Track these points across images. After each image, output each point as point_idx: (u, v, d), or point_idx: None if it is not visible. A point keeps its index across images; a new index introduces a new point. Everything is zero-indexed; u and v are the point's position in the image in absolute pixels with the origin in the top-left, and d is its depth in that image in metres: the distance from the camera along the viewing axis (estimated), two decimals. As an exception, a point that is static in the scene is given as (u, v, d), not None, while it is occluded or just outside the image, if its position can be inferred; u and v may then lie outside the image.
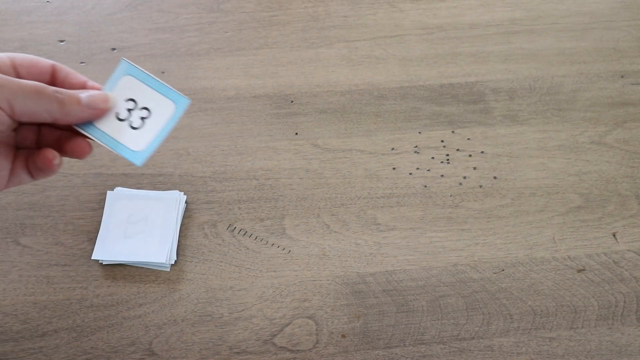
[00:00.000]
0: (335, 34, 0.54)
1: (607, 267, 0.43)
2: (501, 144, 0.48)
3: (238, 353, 0.39)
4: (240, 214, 0.44)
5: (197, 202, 0.44)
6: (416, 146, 0.48)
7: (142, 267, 0.42)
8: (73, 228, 0.43)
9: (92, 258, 0.41)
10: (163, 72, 0.51)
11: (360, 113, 0.49)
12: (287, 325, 0.40)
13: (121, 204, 0.43)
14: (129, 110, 0.35)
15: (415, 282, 0.42)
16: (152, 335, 0.39)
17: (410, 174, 0.46)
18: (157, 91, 0.35)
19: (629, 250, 0.44)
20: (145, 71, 0.35)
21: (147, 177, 0.45)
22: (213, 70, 0.51)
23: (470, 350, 0.40)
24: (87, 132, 0.33)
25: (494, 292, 0.42)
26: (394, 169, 0.47)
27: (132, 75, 0.36)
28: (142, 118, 0.35)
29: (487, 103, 0.50)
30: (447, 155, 0.47)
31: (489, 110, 0.50)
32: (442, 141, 0.48)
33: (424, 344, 0.40)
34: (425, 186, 0.46)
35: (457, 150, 0.48)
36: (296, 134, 0.48)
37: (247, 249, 0.43)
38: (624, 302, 0.42)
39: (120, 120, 0.34)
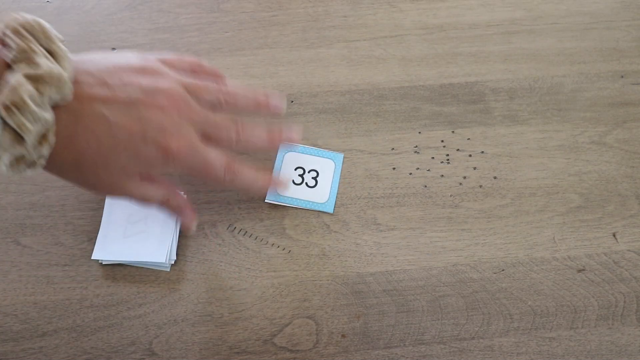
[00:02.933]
0: (335, 34, 0.54)
1: (607, 267, 0.43)
2: (501, 144, 0.48)
3: (238, 353, 0.39)
4: (240, 214, 0.44)
5: (197, 202, 0.44)
6: (416, 146, 0.48)
7: (142, 267, 0.42)
8: (73, 228, 0.43)
9: (92, 258, 0.41)
10: (163, 72, 0.51)
11: (360, 113, 0.49)
12: (287, 325, 0.40)
13: (121, 204, 0.43)
14: (300, 175, 0.45)
15: (415, 282, 0.42)
16: (152, 335, 0.39)
17: (410, 174, 0.46)
18: (317, 155, 0.46)
19: (629, 250, 0.44)
20: (300, 145, 0.46)
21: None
22: (213, 70, 0.51)
23: (470, 350, 0.40)
24: (277, 202, 0.44)
25: (494, 292, 0.42)
26: (394, 169, 0.47)
27: (292, 152, 0.46)
28: (314, 178, 0.45)
29: (487, 103, 0.50)
30: (447, 155, 0.47)
31: (489, 110, 0.50)
32: (442, 141, 0.48)
33: (424, 344, 0.40)
34: (425, 186, 0.46)
35: (457, 150, 0.48)
36: (296, 134, 0.48)
37: (247, 249, 0.43)
38: (624, 302, 0.42)
39: (297, 184, 0.45)
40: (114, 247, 0.41)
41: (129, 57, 0.37)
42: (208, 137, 0.37)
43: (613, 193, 0.46)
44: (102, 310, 0.40)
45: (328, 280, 0.42)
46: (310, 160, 0.46)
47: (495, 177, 0.46)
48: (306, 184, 0.45)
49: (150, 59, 0.38)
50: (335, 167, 0.46)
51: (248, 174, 0.40)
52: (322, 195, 0.45)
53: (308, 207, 0.44)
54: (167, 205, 0.39)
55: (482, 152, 0.48)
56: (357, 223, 0.44)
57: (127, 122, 0.33)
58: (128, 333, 0.39)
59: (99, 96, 0.33)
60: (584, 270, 0.43)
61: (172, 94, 0.36)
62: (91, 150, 0.33)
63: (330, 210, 0.44)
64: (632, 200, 0.46)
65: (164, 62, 0.39)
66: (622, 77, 0.52)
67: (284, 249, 0.43)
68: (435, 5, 0.56)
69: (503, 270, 0.43)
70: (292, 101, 0.50)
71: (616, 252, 0.43)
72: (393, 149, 0.47)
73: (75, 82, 0.33)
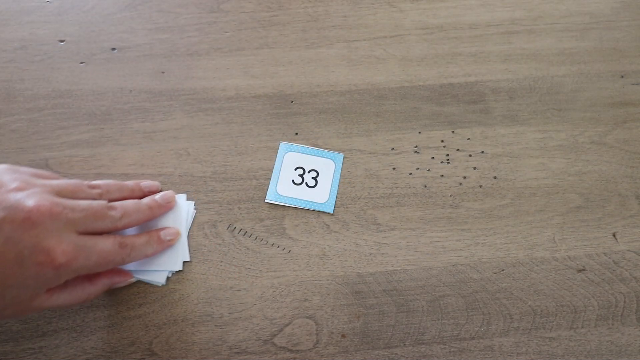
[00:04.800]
0: (335, 34, 0.54)
1: (607, 267, 0.43)
2: (501, 144, 0.48)
3: (238, 353, 0.39)
4: (240, 214, 0.44)
5: (197, 202, 0.44)
6: (416, 146, 0.48)
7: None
8: (73, 228, 0.43)
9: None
10: (163, 72, 0.51)
11: (360, 113, 0.49)
12: (287, 325, 0.40)
13: None
14: (300, 175, 0.45)
15: (415, 282, 0.42)
16: (152, 335, 0.39)
17: (410, 174, 0.46)
18: (317, 155, 0.46)
19: (629, 250, 0.44)
20: (300, 145, 0.46)
21: (147, 177, 0.45)
22: (213, 70, 0.51)
23: (470, 350, 0.40)
24: (277, 202, 0.44)
25: (494, 292, 0.42)
26: (394, 169, 0.47)
27: (292, 151, 0.46)
28: (314, 178, 0.45)
29: (487, 103, 0.50)
30: (447, 155, 0.47)
31: (489, 110, 0.50)
32: (442, 141, 0.48)
33: (424, 344, 0.40)
34: (425, 186, 0.46)
35: (457, 150, 0.48)
36: (296, 134, 0.48)
37: (247, 249, 0.43)
38: (624, 302, 0.42)
39: (297, 184, 0.45)
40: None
41: None
42: (92, 229, 0.35)
43: (613, 193, 0.46)
44: (102, 310, 0.40)
45: (328, 280, 0.42)
46: (310, 160, 0.46)
47: (495, 177, 0.46)
48: (306, 184, 0.45)
49: (19, 171, 0.36)
50: (335, 167, 0.46)
51: (140, 243, 0.38)
52: (322, 195, 0.45)
53: (308, 207, 0.44)
54: (95, 295, 0.38)
55: (482, 152, 0.48)
56: (357, 223, 0.44)
57: None
58: (128, 333, 0.39)
59: None
60: (584, 270, 0.43)
61: (40, 200, 0.33)
62: None
63: (330, 210, 0.44)
64: (632, 200, 0.46)
65: (35, 175, 0.37)
66: (622, 77, 0.52)
67: (284, 249, 0.43)
68: (435, 5, 0.56)
69: (503, 270, 0.43)
70: (292, 101, 0.50)
71: (616, 252, 0.43)
72: (393, 149, 0.47)
73: None
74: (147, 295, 0.41)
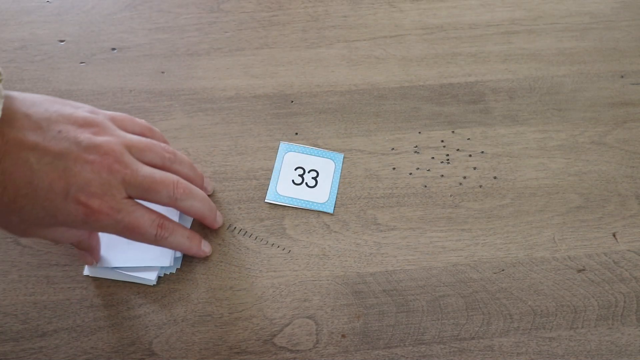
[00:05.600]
0: (335, 34, 0.54)
1: (607, 267, 0.43)
2: (501, 144, 0.48)
3: (238, 353, 0.39)
4: (240, 214, 0.44)
5: (197, 202, 0.44)
6: (416, 146, 0.48)
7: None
8: (73, 228, 0.43)
9: (84, 274, 0.41)
10: (163, 72, 0.51)
11: (360, 113, 0.49)
12: (287, 325, 0.40)
13: None
14: (300, 175, 0.45)
15: (415, 282, 0.42)
16: (152, 335, 0.39)
17: (410, 174, 0.46)
18: (317, 155, 0.46)
19: (629, 250, 0.44)
20: (300, 145, 0.46)
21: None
22: (213, 70, 0.51)
23: (470, 350, 0.40)
24: (277, 202, 0.44)
25: (494, 292, 0.42)
26: (394, 169, 0.47)
27: (292, 152, 0.46)
28: (314, 178, 0.45)
29: (487, 103, 0.50)
30: (447, 155, 0.47)
31: (489, 110, 0.50)
32: (442, 141, 0.48)
33: (424, 344, 0.40)
34: (425, 186, 0.46)
35: (457, 150, 0.48)
36: (296, 134, 0.48)
37: (247, 249, 0.43)
38: (624, 302, 0.42)
39: (297, 184, 0.45)
40: (117, 255, 0.41)
41: (77, 108, 0.35)
42: (143, 196, 0.36)
43: (613, 193, 0.46)
44: (102, 310, 0.40)
45: (328, 280, 0.42)
46: (310, 160, 0.46)
47: (495, 177, 0.46)
48: (306, 184, 0.45)
49: (99, 113, 0.36)
50: (335, 167, 0.46)
51: (181, 235, 0.39)
52: (322, 195, 0.45)
53: (308, 207, 0.44)
54: (76, 246, 0.38)
55: (482, 152, 0.48)
56: (357, 223, 0.44)
57: (50, 173, 0.32)
58: (128, 333, 0.39)
59: (28, 142, 0.31)
60: (584, 270, 0.43)
61: (108, 150, 0.34)
62: (6, 197, 0.31)
63: (330, 211, 0.44)
64: (632, 200, 0.46)
65: (113, 120, 0.37)
66: (622, 77, 0.52)
67: (284, 249, 0.43)
68: (435, 5, 0.56)
69: (503, 270, 0.43)
70: (292, 101, 0.50)
71: (616, 252, 0.43)
72: (393, 149, 0.47)
73: (9, 122, 0.31)
74: (147, 295, 0.41)
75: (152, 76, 0.50)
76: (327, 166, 0.46)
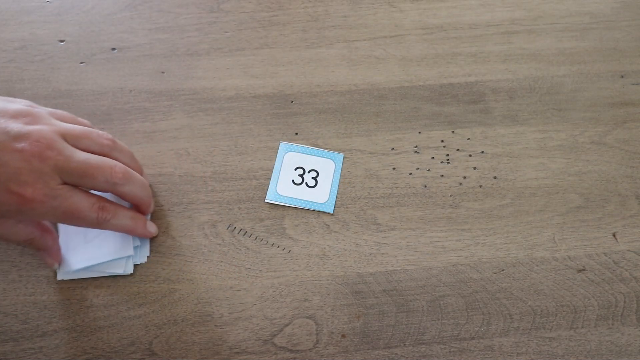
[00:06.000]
0: (335, 34, 0.54)
1: (607, 267, 0.43)
2: (501, 144, 0.48)
3: (238, 353, 0.39)
4: (240, 214, 0.44)
5: (197, 202, 0.44)
6: (416, 146, 0.48)
7: (143, 269, 0.42)
8: (73, 228, 0.43)
9: (57, 279, 0.41)
10: (163, 72, 0.51)
11: (360, 113, 0.49)
12: (287, 325, 0.40)
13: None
14: (300, 175, 0.45)
15: (415, 282, 0.42)
16: (152, 335, 0.39)
17: (410, 174, 0.46)
18: (317, 155, 0.46)
19: (629, 250, 0.44)
20: (300, 145, 0.46)
21: (147, 177, 0.45)
22: (213, 70, 0.51)
23: (470, 350, 0.40)
24: (277, 202, 0.44)
25: (494, 292, 0.42)
26: (394, 169, 0.47)
27: (292, 151, 0.46)
28: (314, 178, 0.45)
29: (487, 103, 0.50)
30: (447, 155, 0.47)
31: (489, 110, 0.50)
32: (442, 141, 0.48)
33: (424, 344, 0.40)
34: (425, 186, 0.46)
35: (457, 150, 0.48)
36: (296, 134, 0.48)
37: (247, 249, 0.43)
38: (624, 302, 0.42)
39: (297, 184, 0.44)
40: (76, 257, 0.41)
41: (11, 102, 0.35)
42: (79, 182, 0.35)
43: (613, 193, 0.46)
44: (102, 310, 0.40)
45: (328, 280, 0.42)
46: (310, 160, 0.46)
47: (495, 177, 0.46)
48: (306, 184, 0.45)
49: (37, 107, 0.36)
50: (335, 167, 0.46)
51: (124, 217, 0.39)
52: (322, 195, 0.45)
53: (308, 207, 0.44)
54: (30, 245, 0.37)
55: (482, 152, 0.48)
56: (357, 223, 0.44)
57: None
58: (128, 333, 0.39)
59: None
60: (584, 270, 0.43)
61: (38, 138, 0.33)
62: None
63: (330, 211, 0.44)
64: (632, 200, 0.46)
65: (53, 114, 0.37)
66: (622, 77, 0.52)
67: (284, 249, 0.43)
68: (435, 5, 0.56)
69: (503, 270, 0.43)
70: (292, 101, 0.50)
71: (616, 252, 0.43)
72: (393, 149, 0.47)
73: None
74: (147, 295, 0.41)
75: (152, 76, 0.50)
76: (327, 166, 0.46)
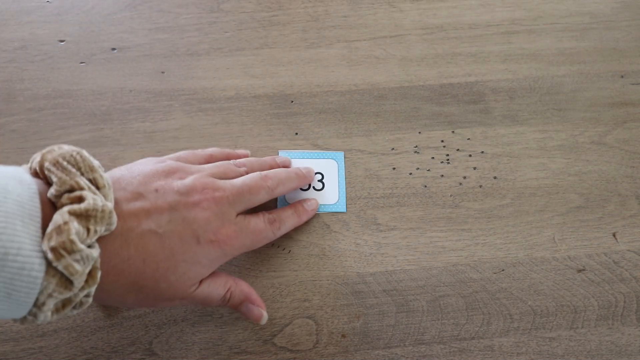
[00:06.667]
0: (335, 34, 0.54)
1: (607, 267, 0.43)
2: (501, 144, 0.48)
3: (238, 353, 0.39)
4: (240, 214, 0.44)
5: (197, 202, 0.44)
6: (416, 146, 0.48)
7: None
8: (73, 228, 0.43)
9: None
10: (163, 72, 0.51)
11: (360, 113, 0.49)
12: (287, 325, 0.40)
13: None
14: None
15: (415, 282, 0.42)
16: (152, 335, 0.39)
17: (410, 174, 0.46)
18: (317, 158, 0.46)
19: (629, 250, 0.44)
20: (299, 150, 0.46)
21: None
22: (213, 70, 0.51)
23: (470, 350, 0.40)
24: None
25: (494, 292, 0.42)
26: (394, 169, 0.47)
27: (292, 159, 0.45)
28: (320, 181, 0.45)
29: (487, 103, 0.50)
30: (447, 155, 0.47)
31: (489, 110, 0.50)
32: (442, 141, 0.48)
33: (424, 344, 0.40)
34: (425, 186, 0.46)
35: (457, 150, 0.48)
36: (296, 134, 0.48)
37: (247, 249, 0.43)
38: (624, 302, 0.42)
39: (304, 190, 0.44)
40: None
41: (149, 163, 0.37)
42: (250, 205, 0.38)
43: (613, 193, 0.46)
44: (102, 310, 0.40)
45: (328, 280, 0.42)
46: (313, 163, 0.46)
47: (495, 177, 0.46)
48: (313, 187, 0.45)
49: (166, 160, 0.38)
50: (338, 166, 0.46)
51: (287, 215, 0.41)
52: (331, 196, 0.45)
53: (321, 210, 0.44)
54: (231, 297, 0.38)
55: (482, 152, 0.48)
56: (357, 223, 0.44)
57: (174, 228, 0.33)
58: (128, 333, 0.39)
59: (140, 211, 0.32)
60: (584, 270, 0.43)
61: (204, 186, 0.36)
62: (150, 268, 0.32)
63: (343, 209, 0.44)
64: (632, 200, 0.46)
65: (179, 159, 0.39)
66: (622, 77, 0.52)
67: (284, 249, 0.43)
68: (435, 5, 0.56)
69: (503, 270, 0.43)
70: (292, 101, 0.50)
71: (616, 252, 0.43)
72: (393, 149, 0.47)
73: (117, 204, 0.32)
74: (147, 295, 0.41)
75: (152, 76, 0.50)
76: (330, 166, 0.46)
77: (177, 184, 0.35)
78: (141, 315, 0.40)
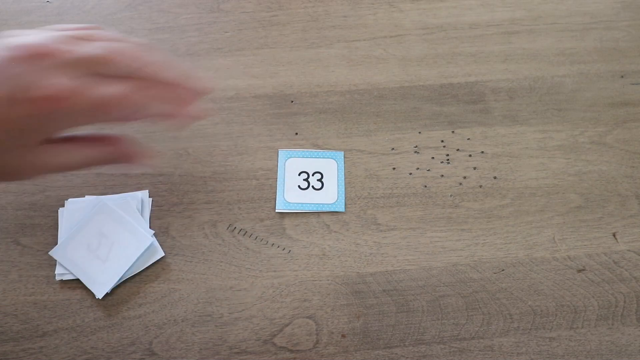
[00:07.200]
0: (335, 34, 0.54)
1: (607, 267, 0.43)
2: (501, 144, 0.48)
3: (238, 353, 0.39)
4: (240, 214, 0.44)
5: (197, 202, 0.44)
6: (416, 146, 0.48)
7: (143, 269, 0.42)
8: (73, 228, 0.43)
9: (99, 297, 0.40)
10: (163, 72, 0.51)
11: (360, 113, 0.49)
12: (287, 325, 0.40)
13: (100, 217, 0.42)
14: (305, 180, 0.45)
15: (415, 282, 0.42)
16: (152, 335, 0.39)
17: (410, 174, 0.46)
18: (317, 157, 0.46)
19: (629, 250, 0.44)
20: (299, 150, 0.46)
21: (148, 177, 0.45)
22: (213, 70, 0.51)
23: (470, 350, 0.40)
24: (289, 209, 0.44)
25: (494, 292, 0.42)
26: (394, 169, 0.47)
27: (292, 157, 0.46)
28: (319, 180, 0.44)
29: (487, 103, 0.50)
30: (447, 155, 0.47)
31: (489, 110, 0.50)
32: (442, 141, 0.48)
33: (424, 344, 0.40)
34: (425, 186, 0.46)
35: (457, 150, 0.48)
36: (296, 134, 0.48)
37: (247, 249, 0.43)
38: (624, 302, 0.42)
39: (304, 189, 0.44)
40: (106, 277, 0.41)
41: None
42: (102, 73, 0.31)
43: (613, 193, 0.46)
44: (102, 310, 0.40)
45: (328, 280, 0.42)
46: (312, 163, 0.46)
47: (495, 177, 0.46)
48: (312, 187, 0.45)
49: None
50: (337, 166, 0.46)
51: (163, 95, 0.33)
52: (330, 195, 0.45)
53: (320, 209, 0.44)
54: (108, 161, 0.33)
55: (482, 152, 0.48)
56: (357, 223, 0.44)
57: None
58: (128, 333, 0.39)
59: None
60: (584, 270, 0.43)
61: (45, 40, 0.29)
62: None
63: (342, 209, 0.44)
64: (632, 200, 0.46)
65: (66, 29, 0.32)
66: (622, 77, 0.52)
67: (284, 249, 0.43)
68: (435, 5, 0.56)
69: (503, 270, 0.43)
70: (292, 101, 0.50)
71: (616, 252, 0.43)
72: (393, 149, 0.47)
73: None
74: (147, 295, 0.41)
75: (152, 76, 0.50)
76: (330, 166, 0.46)
77: (15, 38, 0.30)
78: (141, 315, 0.40)
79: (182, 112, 0.35)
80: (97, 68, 0.31)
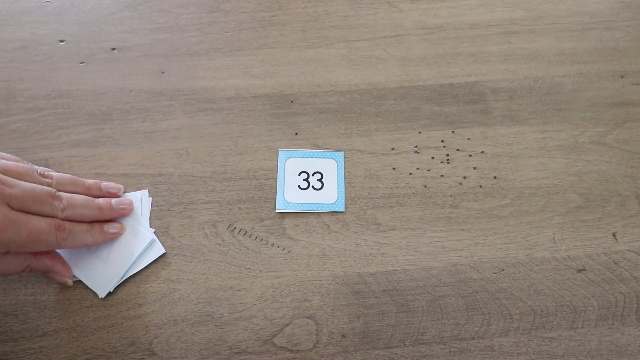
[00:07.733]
0: (335, 34, 0.54)
1: (607, 267, 0.43)
2: (501, 144, 0.48)
3: (238, 353, 0.39)
4: (240, 214, 0.44)
5: (197, 202, 0.44)
6: (416, 146, 0.48)
7: (143, 269, 0.42)
8: (73, 228, 0.43)
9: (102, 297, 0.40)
10: (163, 72, 0.51)
11: (360, 113, 0.49)
12: (287, 325, 0.40)
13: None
14: (305, 180, 0.45)
15: (415, 282, 0.42)
16: (152, 335, 0.39)
17: (410, 174, 0.46)
18: (317, 157, 0.46)
19: (629, 250, 0.44)
20: (299, 150, 0.46)
21: (147, 177, 0.45)
22: (213, 70, 0.51)
23: (470, 350, 0.40)
24: (289, 210, 0.44)
25: (494, 292, 0.42)
26: (394, 169, 0.47)
27: (292, 157, 0.46)
28: (319, 180, 0.45)
29: (487, 103, 0.50)
30: (447, 155, 0.47)
31: (489, 110, 0.50)
32: (442, 141, 0.48)
33: (424, 344, 0.40)
34: (425, 186, 0.46)
35: (457, 150, 0.48)
36: (296, 134, 0.48)
37: (247, 249, 0.43)
38: (624, 302, 0.42)
39: (304, 189, 0.44)
40: (108, 277, 0.41)
41: None
42: (28, 210, 0.36)
43: (613, 193, 0.46)
44: (102, 310, 0.40)
45: (328, 280, 0.42)
46: (312, 162, 0.46)
47: (495, 177, 0.46)
48: (312, 187, 0.45)
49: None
50: (337, 166, 0.46)
51: (80, 230, 0.39)
52: (330, 195, 0.45)
53: (319, 209, 0.44)
54: (31, 272, 0.38)
55: (482, 152, 0.48)
56: (357, 223, 0.44)
57: None
58: (128, 333, 0.39)
59: None
60: (584, 270, 0.43)
61: None
62: None
63: (342, 209, 0.44)
64: (632, 200, 0.46)
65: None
66: (622, 77, 0.52)
67: (284, 249, 0.43)
68: (435, 5, 0.56)
69: (503, 270, 0.43)
70: (292, 101, 0.50)
71: (616, 252, 0.43)
72: (393, 149, 0.47)
73: None
74: (147, 295, 0.41)
75: (152, 76, 0.50)
76: (330, 166, 0.46)
77: None
78: (141, 315, 0.40)
79: (99, 240, 0.41)
80: (26, 206, 0.35)
